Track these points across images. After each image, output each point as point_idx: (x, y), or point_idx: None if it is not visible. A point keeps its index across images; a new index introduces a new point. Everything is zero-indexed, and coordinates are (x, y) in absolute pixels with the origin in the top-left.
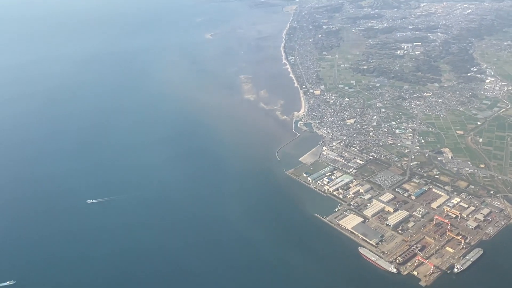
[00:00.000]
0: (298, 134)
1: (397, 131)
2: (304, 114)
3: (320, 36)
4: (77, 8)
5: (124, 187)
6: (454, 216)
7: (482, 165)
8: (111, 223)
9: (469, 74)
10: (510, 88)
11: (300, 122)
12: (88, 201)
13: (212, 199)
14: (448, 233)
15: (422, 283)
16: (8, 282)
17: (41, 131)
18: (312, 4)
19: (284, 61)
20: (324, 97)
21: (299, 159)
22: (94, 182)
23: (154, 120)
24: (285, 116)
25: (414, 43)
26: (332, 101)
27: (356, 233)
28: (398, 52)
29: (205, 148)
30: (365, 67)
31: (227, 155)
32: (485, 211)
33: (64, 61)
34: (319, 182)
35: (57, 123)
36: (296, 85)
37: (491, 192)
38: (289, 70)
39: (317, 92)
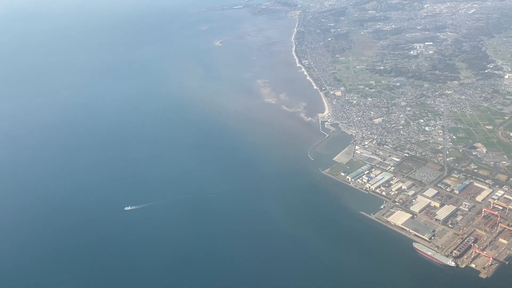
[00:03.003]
0: (327, 135)
1: (426, 128)
2: (329, 115)
3: (330, 39)
4: (77, 20)
5: (161, 192)
6: (501, 208)
7: None
8: (153, 229)
9: (486, 71)
10: None
11: (326, 123)
12: (126, 208)
13: (253, 200)
14: (500, 224)
15: (482, 275)
16: None
17: (66, 143)
18: (315, 9)
19: (298, 65)
20: (346, 98)
21: (333, 159)
22: (129, 189)
23: (181, 126)
24: (310, 118)
25: (426, 43)
26: (355, 101)
27: (408, 229)
28: (412, 52)
29: (236, 151)
30: (382, 67)
31: (259, 156)
32: None
33: (79, 72)
34: (358, 180)
35: (82, 134)
36: (315, 87)
37: None
38: (305, 73)
39: (338, 93)
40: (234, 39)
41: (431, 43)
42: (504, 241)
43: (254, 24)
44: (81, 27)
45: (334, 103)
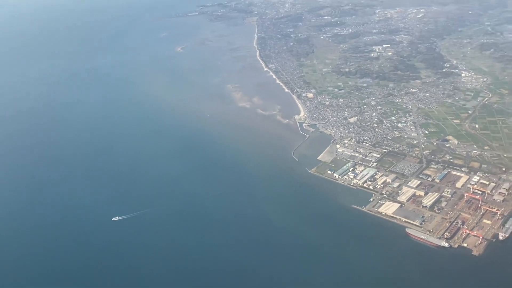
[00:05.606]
0: (307, 136)
1: (399, 125)
2: (305, 117)
3: (292, 44)
4: (27, 28)
5: (149, 201)
6: (480, 192)
7: (486, 147)
8: (146, 239)
9: (444, 70)
10: (485, 79)
11: (304, 124)
12: (114, 219)
13: (245, 202)
14: (483, 207)
15: (475, 253)
16: None
17: (37, 156)
18: (272, 15)
19: (266, 69)
20: (319, 100)
21: (318, 158)
22: (114, 200)
23: (156, 134)
24: (287, 120)
25: (384, 45)
26: (327, 102)
27: (398, 217)
28: (372, 54)
29: (219, 156)
30: (347, 69)
31: (243, 160)
32: (506, 185)
33: (39, 82)
34: (345, 177)
35: (53, 145)
36: (286, 90)
37: (503, 169)
38: (274, 77)
39: (310, 95)
40: (196, 45)
41: (389, 45)
42: (488, 222)
43: (213, 30)
44: (30, 36)
45: (308, 104)
